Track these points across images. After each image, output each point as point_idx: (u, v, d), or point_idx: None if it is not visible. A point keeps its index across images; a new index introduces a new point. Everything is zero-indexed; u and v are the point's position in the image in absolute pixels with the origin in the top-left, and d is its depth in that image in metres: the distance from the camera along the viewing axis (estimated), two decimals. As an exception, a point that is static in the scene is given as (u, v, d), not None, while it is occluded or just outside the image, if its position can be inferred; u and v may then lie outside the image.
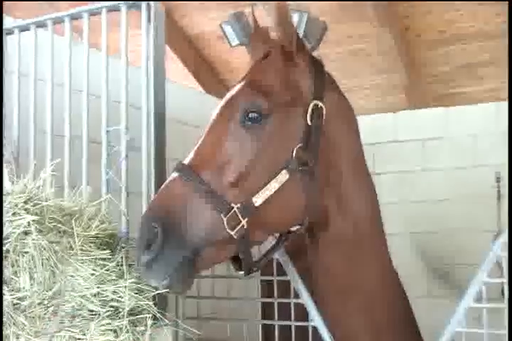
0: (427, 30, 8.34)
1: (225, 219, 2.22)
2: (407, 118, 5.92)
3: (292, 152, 2.38)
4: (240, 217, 2.24)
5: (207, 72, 9.44)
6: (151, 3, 2.82)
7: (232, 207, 2.23)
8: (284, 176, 2.34)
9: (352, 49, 8.69)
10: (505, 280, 2.38)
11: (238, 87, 2.50)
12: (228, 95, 2.50)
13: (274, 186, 2.31)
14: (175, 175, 2.29)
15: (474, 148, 5.51)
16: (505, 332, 2.34)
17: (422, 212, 5.63)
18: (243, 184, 2.29)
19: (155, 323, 2.33)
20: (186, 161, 2.33)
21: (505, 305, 2.37)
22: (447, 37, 8.27)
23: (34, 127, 3.02)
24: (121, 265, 2.33)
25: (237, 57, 8.34)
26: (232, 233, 2.23)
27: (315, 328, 2.64)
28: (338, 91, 2.70)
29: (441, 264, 5.58)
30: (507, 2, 6.99)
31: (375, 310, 2.63)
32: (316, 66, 2.62)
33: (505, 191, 5.11)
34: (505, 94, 8.38)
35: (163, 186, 2.31)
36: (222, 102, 2.49)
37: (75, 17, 3.00)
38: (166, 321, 2.42)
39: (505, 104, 5.29)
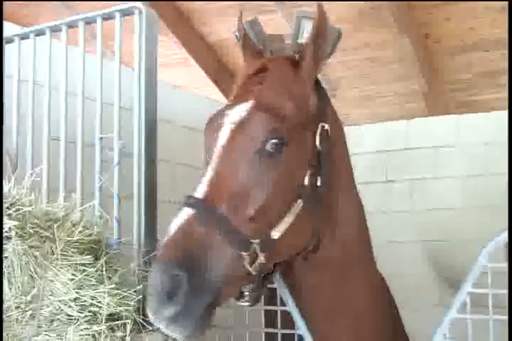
0: (446, 37, 8.24)
1: (245, 256, 2.07)
2: (419, 125, 5.86)
3: (304, 179, 2.26)
4: (259, 252, 2.10)
5: (227, 80, 9.44)
6: (143, 10, 2.82)
7: (252, 243, 2.08)
8: (299, 205, 2.21)
9: (371, 56, 8.62)
10: (490, 291, 2.33)
11: (244, 108, 2.26)
12: (235, 117, 2.24)
13: (290, 217, 2.18)
14: (189, 211, 2.06)
15: (486, 156, 5.43)
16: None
17: (434, 220, 5.56)
18: (262, 218, 2.13)
19: (135, 329, 2.32)
20: (199, 195, 2.10)
21: (489, 316, 2.32)
22: (468, 44, 8.17)
23: (32, 132, 3.05)
24: (103, 270, 2.33)
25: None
26: (251, 269, 2.10)
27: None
28: (333, 108, 2.58)
29: (452, 273, 5.48)
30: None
31: (364, 330, 2.58)
32: (316, 79, 2.50)
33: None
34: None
35: (176, 224, 2.06)
36: (228, 126, 2.23)
37: (71, 25, 3.02)
38: (149, 327, 2.40)
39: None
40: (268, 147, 2.17)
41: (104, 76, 2.88)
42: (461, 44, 8.21)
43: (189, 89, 8.06)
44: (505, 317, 2.27)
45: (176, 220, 2.07)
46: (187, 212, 2.06)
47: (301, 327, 2.59)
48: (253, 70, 2.46)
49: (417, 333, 2.94)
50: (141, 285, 2.40)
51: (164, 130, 3.76)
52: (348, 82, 8.99)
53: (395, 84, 8.78)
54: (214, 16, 8.55)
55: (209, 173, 2.15)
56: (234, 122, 2.23)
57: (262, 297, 2.68)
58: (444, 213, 5.51)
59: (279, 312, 2.68)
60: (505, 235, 2.34)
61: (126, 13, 2.88)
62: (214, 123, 2.30)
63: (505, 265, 2.33)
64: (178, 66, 9.45)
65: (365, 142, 5.96)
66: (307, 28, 5.76)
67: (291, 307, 2.62)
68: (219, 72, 9.48)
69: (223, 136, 2.22)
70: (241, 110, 2.25)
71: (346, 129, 2.64)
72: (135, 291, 2.35)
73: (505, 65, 8.32)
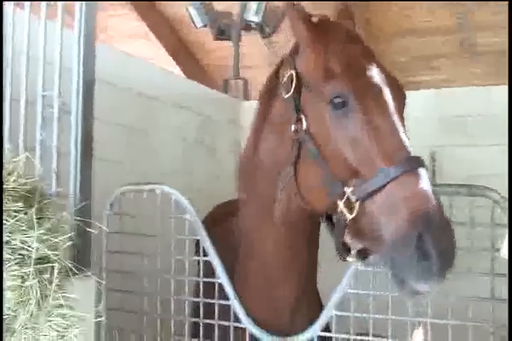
0: (386, 24, 8.31)
1: None
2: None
3: None
4: None
5: (183, 53, 9.36)
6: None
7: None
8: None
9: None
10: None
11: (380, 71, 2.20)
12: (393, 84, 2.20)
13: None
14: (424, 172, 1.99)
15: (415, 131, 5.48)
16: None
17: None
18: None
19: (62, 273, 2.31)
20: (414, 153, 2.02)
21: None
22: (403, 30, 8.25)
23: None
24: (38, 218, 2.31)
25: (211, 39, 8.26)
26: None
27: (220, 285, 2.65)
28: None
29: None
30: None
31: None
32: None
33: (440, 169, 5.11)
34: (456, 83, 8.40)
35: (425, 183, 1.95)
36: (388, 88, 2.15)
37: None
38: (77, 272, 2.39)
39: (446, 91, 5.29)
40: None
41: (49, 37, 2.83)
42: (399, 30, 8.29)
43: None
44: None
45: (425, 181, 1.96)
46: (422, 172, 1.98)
47: (221, 275, 2.62)
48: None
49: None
50: (72, 233, 2.40)
51: (111, 94, 3.76)
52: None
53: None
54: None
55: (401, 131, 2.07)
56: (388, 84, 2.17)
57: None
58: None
59: (201, 261, 2.70)
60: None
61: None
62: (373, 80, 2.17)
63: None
64: (139, 39, 9.32)
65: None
66: (254, 6, 5.73)
67: (212, 256, 2.64)
68: (177, 46, 9.39)
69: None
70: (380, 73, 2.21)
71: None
72: (66, 238, 2.33)
73: (440, 50, 8.43)
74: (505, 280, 2.21)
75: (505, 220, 2.20)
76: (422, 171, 1.97)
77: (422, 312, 2.37)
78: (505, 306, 2.21)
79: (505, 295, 2.24)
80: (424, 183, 1.94)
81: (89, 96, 2.74)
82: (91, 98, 2.75)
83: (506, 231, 2.15)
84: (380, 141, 2.03)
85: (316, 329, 2.50)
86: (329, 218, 2.34)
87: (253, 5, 5.68)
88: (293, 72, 2.28)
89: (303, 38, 2.30)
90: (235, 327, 2.59)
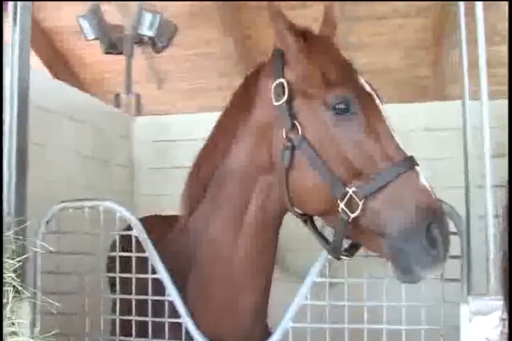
0: (265, 39, 8.51)
1: None
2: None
3: None
4: None
5: (60, 65, 9.03)
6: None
7: None
8: None
9: (199, 52, 8.67)
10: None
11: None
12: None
13: None
14: (419, 169, 2.15)
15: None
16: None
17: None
18: None
19: (15, 296, 2.15)
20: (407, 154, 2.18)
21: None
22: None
23: None
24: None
25: (90, 52, 8.04)
26: None
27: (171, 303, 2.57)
28: None
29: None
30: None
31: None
32: None
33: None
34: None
35: (425, 180, 2.13)
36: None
37: None
38: (27, 294, 2.24)
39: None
40: None
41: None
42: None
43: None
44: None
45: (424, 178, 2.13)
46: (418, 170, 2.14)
47: (172, 293, 2.54)
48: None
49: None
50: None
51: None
52: (177, 75, 9.00)
53: (219, 79, 8.91)
54: (49, 3, 8.12)
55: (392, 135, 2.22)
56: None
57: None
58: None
59: (150, 279, 2.60)
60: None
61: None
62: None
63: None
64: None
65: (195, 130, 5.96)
66: (147, 20, 5.68)
67: (162, 274, 2.56)
68: (52, 57, 9.04)
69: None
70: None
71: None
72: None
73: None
74: (455, 284, 2.35)
75: (455, 229, 2.34)
76: (418, 169, 2.15)
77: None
78: (455, 309, 2.33)
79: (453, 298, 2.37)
80: (424, 180, 2.12)
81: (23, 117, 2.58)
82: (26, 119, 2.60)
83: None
84: (380, 142, 2.17)
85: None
86: (311, 221, 2.43)
87: (147, 19, 5.60)
88: (283, 81, 2.31)
89: (294, 49, 2.34)
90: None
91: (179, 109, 8.86)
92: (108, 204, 2.67)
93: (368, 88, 2.33)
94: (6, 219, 2.48)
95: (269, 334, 2.58)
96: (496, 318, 2.10)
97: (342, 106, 2.21)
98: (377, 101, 2.30)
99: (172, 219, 2.97)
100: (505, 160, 2.17)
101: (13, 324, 2.12)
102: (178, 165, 5.36)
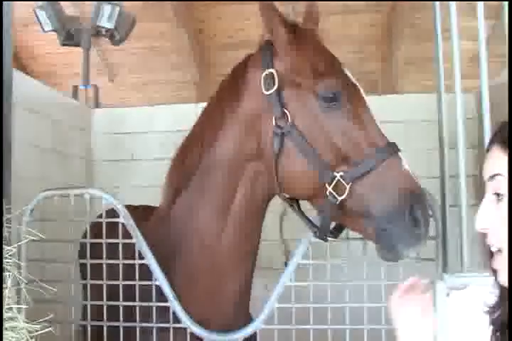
0: (219, 34, 8.55)
1: None
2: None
3: None
4: None
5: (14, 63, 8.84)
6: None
7: None
8: None
9: (150, 45, 8.64)
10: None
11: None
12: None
13: None
14: (401, 155, 2.28)
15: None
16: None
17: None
18: None
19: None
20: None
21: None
22: (236, 42, 8.55)
23: None
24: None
25: (41, 44, 7.92)
26: None
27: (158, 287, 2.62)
28: None
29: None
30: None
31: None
32: None
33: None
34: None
35: (407, 165, 2.26)
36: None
37: None
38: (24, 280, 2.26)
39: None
40: None
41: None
42: (232, 41, 8.58)
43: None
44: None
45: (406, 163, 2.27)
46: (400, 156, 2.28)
47: (160, 278, 2.59)
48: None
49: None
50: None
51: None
52: (128, 68, 8.95)
53: (171, 73, 8.91)
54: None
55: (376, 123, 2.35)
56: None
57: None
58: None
59: (136, 265, 2.65)
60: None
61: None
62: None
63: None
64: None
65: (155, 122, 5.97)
66: (106, 11, 5.66)
67: (149, 259, 2.61)
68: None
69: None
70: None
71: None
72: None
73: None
74: (431, 265, 2.50)
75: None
76: (401, 155, 2.29)
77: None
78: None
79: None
80: (406, 165, 2.26)
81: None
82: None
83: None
84: (366, 129, 2.31)
85: (258, 323, 2.59)
86: (298, 205, 2.55)
87: (106, 10, 5.57)
88: (272, 71, 2.39)
89: (284, 41, 2.42)
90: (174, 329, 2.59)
91: (132, 102, 8.82)
92: (95, 191, 2.70)
93: (353, 79, 2.44)
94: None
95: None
96: (470, 292, 2.29)
97: (330, 95, 2.32)
98: (362, 91, 2.43)
99: (141, 210, 3.05)
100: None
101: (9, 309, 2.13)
102: (136, 158, 5.40)
